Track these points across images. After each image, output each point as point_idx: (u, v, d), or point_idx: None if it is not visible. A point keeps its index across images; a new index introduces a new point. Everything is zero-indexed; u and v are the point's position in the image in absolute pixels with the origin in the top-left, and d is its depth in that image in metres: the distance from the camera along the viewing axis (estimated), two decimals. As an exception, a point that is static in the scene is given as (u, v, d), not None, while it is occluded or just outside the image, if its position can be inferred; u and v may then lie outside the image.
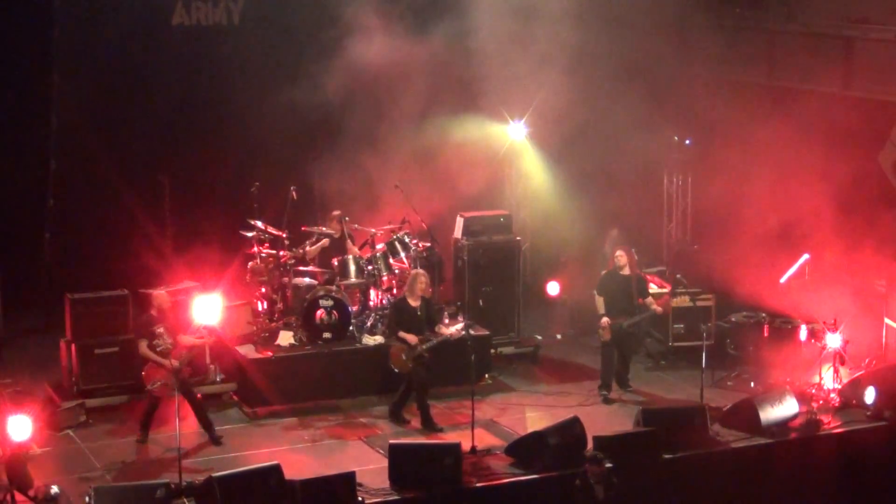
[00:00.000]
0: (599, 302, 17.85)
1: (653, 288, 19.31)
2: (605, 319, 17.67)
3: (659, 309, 17.90)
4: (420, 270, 17.38)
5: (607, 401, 17.75)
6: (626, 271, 17.86)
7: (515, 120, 20.92)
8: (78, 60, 18.99)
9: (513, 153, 21.48)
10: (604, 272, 18.27)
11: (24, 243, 18.98)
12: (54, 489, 14.51)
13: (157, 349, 15.77)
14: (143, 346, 15.85)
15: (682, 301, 19.06)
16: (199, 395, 16.34)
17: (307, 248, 18.63)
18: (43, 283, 18.69)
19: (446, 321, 18.73)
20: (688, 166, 21.87)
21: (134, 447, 15.77)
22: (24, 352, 18.08)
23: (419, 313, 16.91)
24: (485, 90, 20.37)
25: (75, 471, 15.36)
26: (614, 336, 17.72)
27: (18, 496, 14.32)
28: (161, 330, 15.87)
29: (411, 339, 16.72)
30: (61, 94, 18.82)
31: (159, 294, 16.23)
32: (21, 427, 15.08)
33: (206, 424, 16.17)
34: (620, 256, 17.87)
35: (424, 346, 16.71)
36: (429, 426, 16.74)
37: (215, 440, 16.10)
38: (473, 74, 20.33)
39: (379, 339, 17.90)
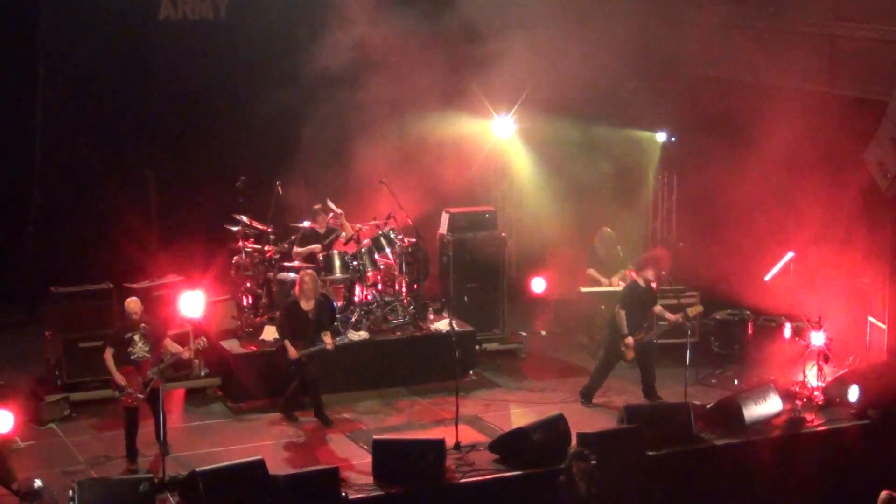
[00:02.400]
0: (622, 318, 17.21)
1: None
2: (630, 339, 17.12)
3: (679, 318, 17.60)
4: (308, 271, 17.11)
5: (586, 405, 17.64)
6: (653, 284, 17.52)
7: (502, 115, 20.89)
8: (64, 54, 18.94)
9: (499, 149, 21.45)
10: (626, 284, 17.76)
11: (8, 237, 18.92)
12: (37, 483, 14.41)
13: (132, 356, 15.18)
14: (106, 354, 15.28)
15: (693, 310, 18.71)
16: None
17: (295, 248, 18.61)
18: (27, 276, 18.64)
19: (431, 317, 18.77)
20: (673, 164, 21.86)
21: (118, 441, 15.62)
22: (7, 345, 18.03)
23: (311, 317, 16.58)
24: (472, 85, 20.35)
25: (59, 465, 15.33)
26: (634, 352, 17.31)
27: (1, 490, 14.28)
28: (136, 337, 15.26)
29: (291, 352, 16.50)
30: (47, 87, 18.77)
31: (131, 301, 15.54)
32: (3, 420, 15.07)
33: (162, 435, 15.26)
34: (650, 271, 17.43)
35: (302, 353, 16.46)
36: (323, 419, 16.73)
37: (163, 451, 15.21)
38: (461, 69, 20.31)
39: (364, 334, 17.85)
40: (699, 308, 17.90)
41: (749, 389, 17.23)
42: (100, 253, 18.83)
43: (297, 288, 16.82)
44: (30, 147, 19.06)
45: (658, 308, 17.49)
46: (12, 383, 16.96)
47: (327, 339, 16.60)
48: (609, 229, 20.07)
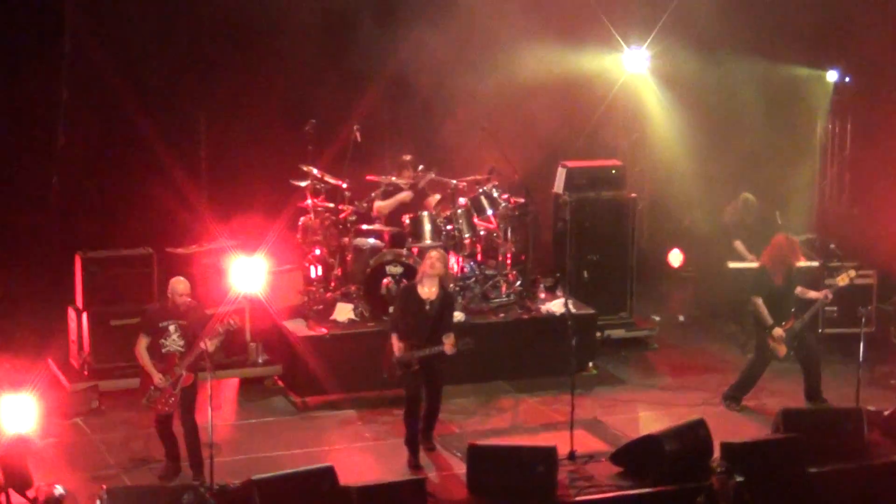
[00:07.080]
0: (759, 307, 17.20)
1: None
2: (778, 331, 17.10)
3: (828, 295, 17.57)
4: (437, 250, 16.13)
5: (733, 408, 17.58)
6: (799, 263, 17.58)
7: (634, 47, 20.86)
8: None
9: (629, 89, 21.43)
10: (759, 266, 17.63)
11: (29, 189, 19.12)
12: (59, 489, 14.63)
13: (163, 350, 15.13)
14: (140, 345, 15.18)
15: (842, 279, 18.60)
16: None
17: (376, 203, 18.66)
18: (50, 237, 18.87)
19: (542, 296, 18.78)
20: (847, 110, 21.70)
21: (156, 440, 15.65)
22: (25, 321, 18.26)
23: (428, 308, 15.64)
24: (595, 10, 20.33)
25: (85, 468, 15.52)
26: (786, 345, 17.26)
27: (15, 497, 14.45)
28: (173, 327, 15.14)
29: (397, 347, 15.60)
30: (75, 11, 18.95)
31: (176, 281, 15.33)
32: (20, 414, 15.23)
33: (196, 461, 15.10)
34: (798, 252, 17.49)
35: (415, 355, 15.55)
36: (429, 442, 16.15)
37: (197, 479, 14.99)
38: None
39: (460, 315, 17.84)
40: (851, 273, 17.63)
41: (938, 393, 17.12)
42: (137, 211, 19.05)
43: (421, 269, 15.81)
44: (55, 82, 19.23)
45: (799, 289, 17.45)
46: (30, 368, 17.15)
47: (448, 341, 15.47)
48: (749, 195, 20.03)
